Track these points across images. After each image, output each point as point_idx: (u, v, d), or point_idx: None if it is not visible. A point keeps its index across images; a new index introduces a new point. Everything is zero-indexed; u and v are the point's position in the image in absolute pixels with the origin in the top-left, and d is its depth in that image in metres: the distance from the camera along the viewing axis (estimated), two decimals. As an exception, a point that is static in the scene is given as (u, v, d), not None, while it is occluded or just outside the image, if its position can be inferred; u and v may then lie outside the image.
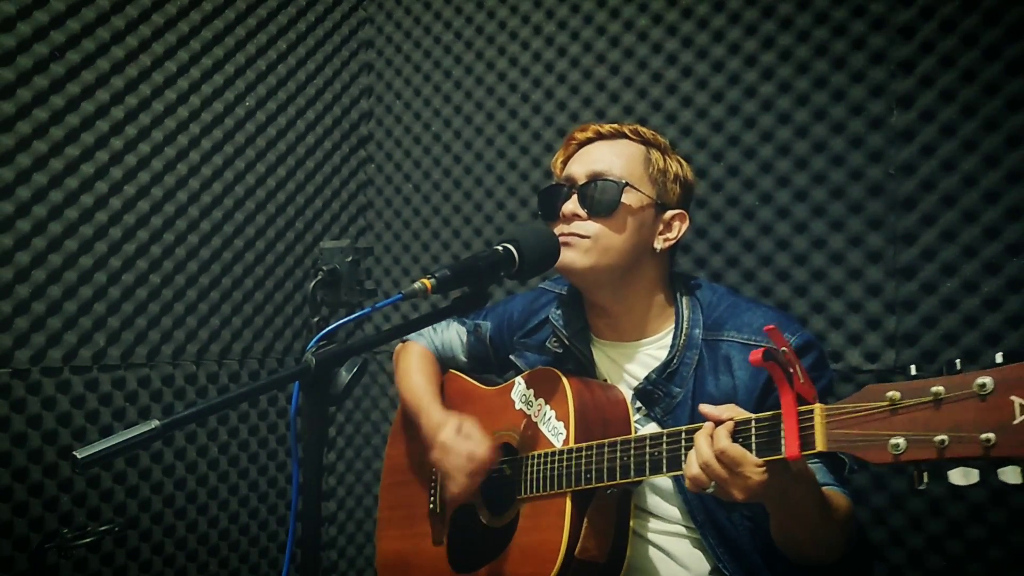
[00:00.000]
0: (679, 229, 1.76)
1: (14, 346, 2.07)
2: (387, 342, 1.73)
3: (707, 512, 1.62)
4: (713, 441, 1.30)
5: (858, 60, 1.97)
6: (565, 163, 1.82)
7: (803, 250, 2.05)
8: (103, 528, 1.99)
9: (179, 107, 2.37)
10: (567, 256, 1.68)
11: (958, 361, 1.09)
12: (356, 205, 2.84)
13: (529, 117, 2.48)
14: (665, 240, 1.74)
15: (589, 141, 1.80)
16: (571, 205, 1.71)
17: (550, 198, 1.78)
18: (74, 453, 1.13)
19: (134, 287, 2.28)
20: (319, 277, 1.56)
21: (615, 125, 1.80)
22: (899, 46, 1.92)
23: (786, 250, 2.07)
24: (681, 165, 1.79)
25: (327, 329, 1.37)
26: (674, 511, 1.68)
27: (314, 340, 1.35)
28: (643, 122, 2.25)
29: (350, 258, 1.57)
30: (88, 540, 1.95)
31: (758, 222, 2.10)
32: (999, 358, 1.06)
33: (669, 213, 1.74)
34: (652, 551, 1.69)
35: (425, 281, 1.38)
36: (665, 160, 1.76)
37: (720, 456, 1.29)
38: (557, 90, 2.43)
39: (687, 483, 1.36)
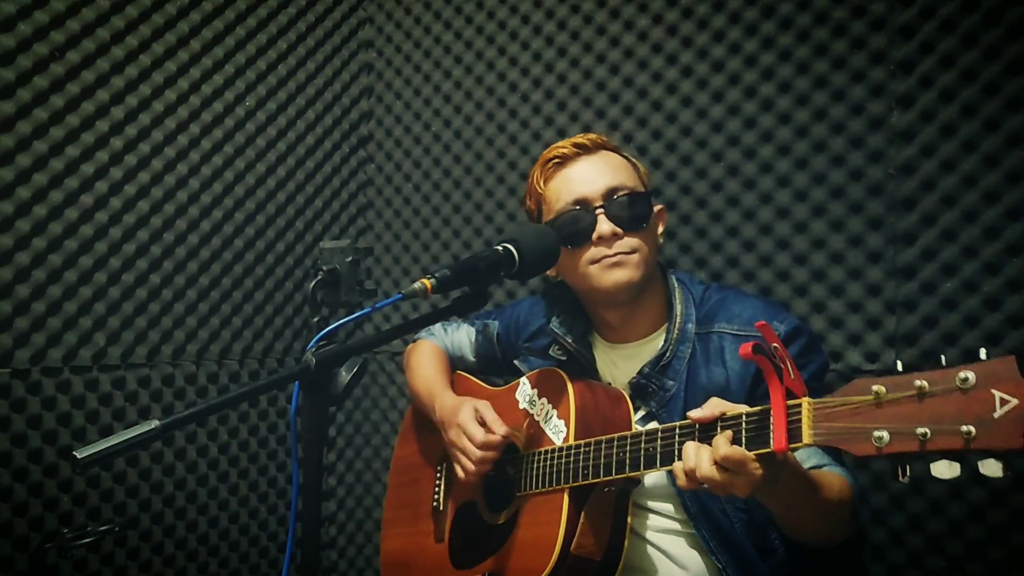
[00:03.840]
0: (664, 222, 1.83)
1: (14, 346, 2.07)
2: (387, 342, 1.73)
3: (700, 504, 1.63)
4: (714, 450, 1.29)
5: (858, 60, 1.96)
6: (556, 187, 1.76)
7: (803, 250, 2.04)
8: (103, 528, 1.99)
9: (179, 107, 2.37)
10: (622, 275, 1.68)
11: (943, 357, 1.11)
12: (356, 205, 2.84)
13: (529, 117, 2.48)
14: (661, 237, 1.81)
15: (566, 158, 1.77)
16: (606, 226, 1.68)
17: (574, 225, 1.71)
18: (74, 453, 1.13)
19: (134, 287, 2.28)
20: (319, 277, 1.56)
21: (581, 140, 1.78)
22: (899, 46, 1.92)
23: (786, 250, 2.07)
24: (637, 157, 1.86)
25: (327, 329, 1.37)
26: (668, 506, 1.69)
27: (314, 340, 1.35)
28: (643, 123, 2.26)
29: (350, 258, 1.58)
30: (88, 540, 1.95)
31: (758, 222, 2.10)
32: (983, 353, 1.08)
33: (655, 207, 1.78)
34: (650, 550, 1.69)
35: (425, 281, 1.39)
36: (633, 159, 1.82)
37: (724, 462, 1.27)
38: (557, 90, 2.43)
39: (680, 482, 1.35)
